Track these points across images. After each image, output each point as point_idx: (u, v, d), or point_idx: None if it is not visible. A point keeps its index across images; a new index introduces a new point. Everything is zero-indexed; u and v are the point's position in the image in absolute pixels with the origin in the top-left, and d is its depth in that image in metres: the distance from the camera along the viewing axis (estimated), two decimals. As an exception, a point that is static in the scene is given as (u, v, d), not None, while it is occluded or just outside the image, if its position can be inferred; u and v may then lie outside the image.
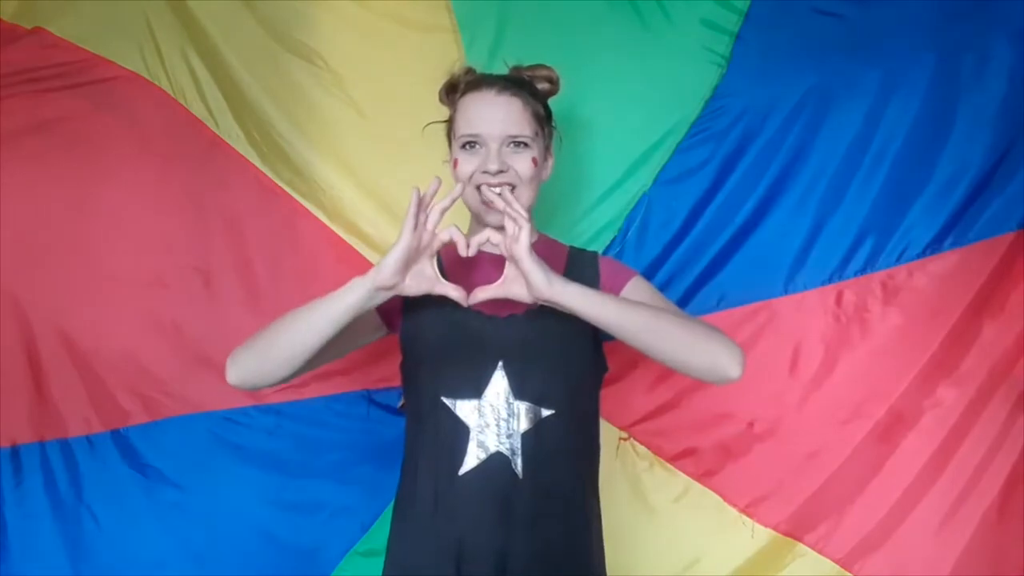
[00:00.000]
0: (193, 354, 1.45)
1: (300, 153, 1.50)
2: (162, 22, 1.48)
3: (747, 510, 1.50)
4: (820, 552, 1.46)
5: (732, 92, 1.46)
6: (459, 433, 1.07)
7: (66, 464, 1.41)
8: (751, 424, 1.50)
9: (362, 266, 1.47)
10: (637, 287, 1.18)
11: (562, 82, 1.22)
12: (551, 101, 1.23)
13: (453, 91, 1.18)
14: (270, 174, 1.50)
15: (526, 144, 1.12)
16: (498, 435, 1.07)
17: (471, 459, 1.07)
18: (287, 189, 1.50)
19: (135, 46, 1.48)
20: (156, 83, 1.48)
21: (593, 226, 1.50)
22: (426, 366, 1.13)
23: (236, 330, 1.44)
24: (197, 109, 1.49)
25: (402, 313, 1.16)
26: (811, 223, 1.48)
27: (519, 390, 1.08)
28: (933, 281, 1.45)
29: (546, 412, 1.08)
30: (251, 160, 1.50)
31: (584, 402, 1.17)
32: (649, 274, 1.49)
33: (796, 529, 1.48)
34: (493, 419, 1.07)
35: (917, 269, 1.46)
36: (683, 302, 1.50)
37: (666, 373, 1.51)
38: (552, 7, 1.49)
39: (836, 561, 1.45)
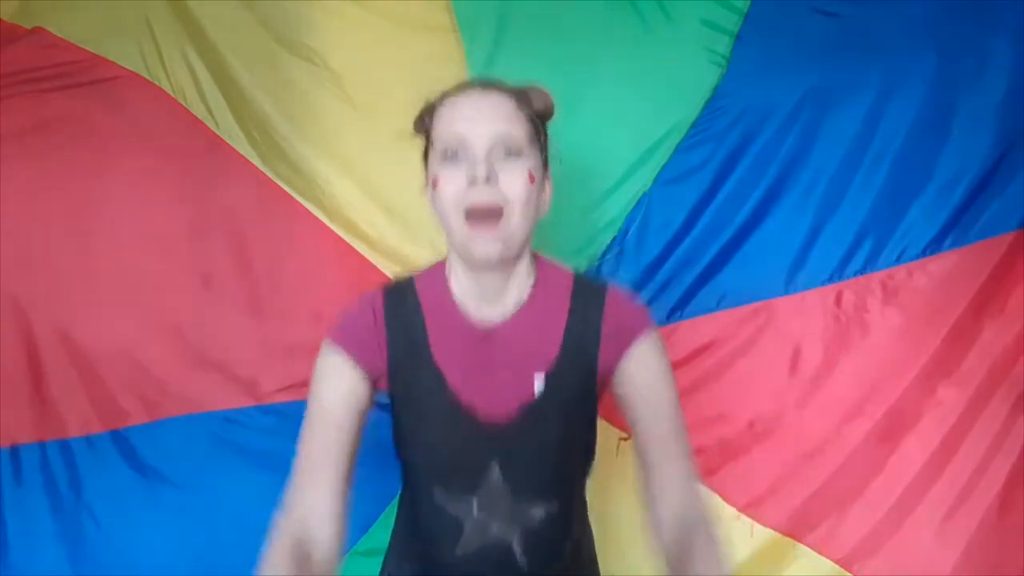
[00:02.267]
0: (193, 354, 1.45)
1: (300, 153, 1.50)
2: (162, 22, 1.48)
3: (746, 510, 1.50)
4: (820, 552, 1.46)
5: (732, 92, 1.47)
6: (451, 525, 0.99)
7: (66, 464, 1.41)
8: (751, 424, 1.50)
9: (362, 266, 1.48)
10: (644, 353, 0.97)
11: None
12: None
13: (429, 113, 0.97)
14: (270, 174, 1.50)
15: (520, 152, 0.90)
16: (496, 528, 0.98)
17: (466, 546, 0.99)
18: (287, 189, 1.50)
19: (135, 46, 1.48)
20: (156, 83, 1.48)
21: (593, 226, 1.50)
22: (419, 457, 1.04)
23: (236, 330, 1.46)
24: (197, 109, 1.49)
25: (388, 372, 1.00)
26: (811, 223, 1.48)
27: (516, 488, 0.97)
28: (933, 281, 1.45)
29: (544, 507, 0.99)
30: (251, 160, 1.50)
31: (580, 490, 1.09)
32: (649, 274, 1.50)
33: (795, 529, 1.48)
34: (488, 512, 0.98)
35: (917, 269, 1.46)
36: (683, 302, 1.51)
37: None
38: (552, 7, 1.49)
39: (836, 561, 1.45)
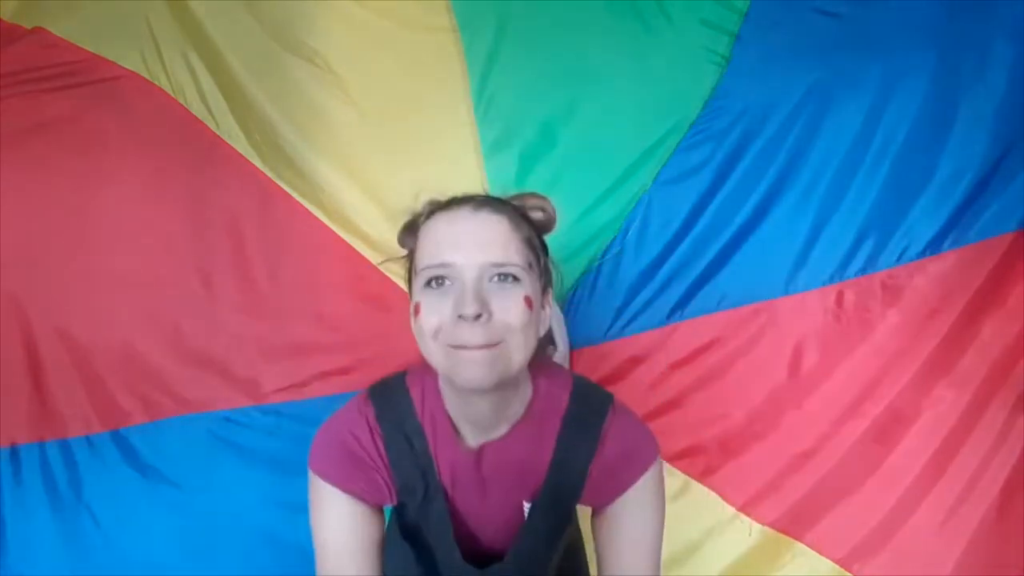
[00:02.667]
0: (193, 354, 1.45)
1: (300, 153, 1.50)
2: (162, 22, 1.48)
3: (745, 508, 1.50)
4: (819, 551, 1.46)
5: (732, 92, 1.47)
6: None
7: (66, 464, 1.41)
8: (750, 423, 1.50)
9: (362, 266, 1.48)
10: (638, 493, 0.90)
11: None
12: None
13: (413, 226, 0.86)
14: (270, 174, 1.50)
15: (515, 278, 0.79)
16: None
17: None
18: (287, 189, 1.50)
19: (135, 46, 1.48)
20: (156, 83, 1.48)
21: (593, 226, 1.50)
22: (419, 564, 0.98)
23: (236, 330, 1.45)
24: (197, 109, 1.49)
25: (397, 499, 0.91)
26: (811, 223, 1.48)
27: None
28: (933, 281, 1.45)
29: None
30: (251, 160, 1.50)
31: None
32: (649, 274, 1.50)
33: (794, 528, 1.48)
34: None
35: (917, 269, 1.46)
36: (683, 302, 1.51)
37: (666, 373, 1.52)
38: (552, 7, 1.49)
39: (836, 561, 1.45)
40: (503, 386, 0.81)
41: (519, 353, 0.79)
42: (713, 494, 1.51)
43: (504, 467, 0.89)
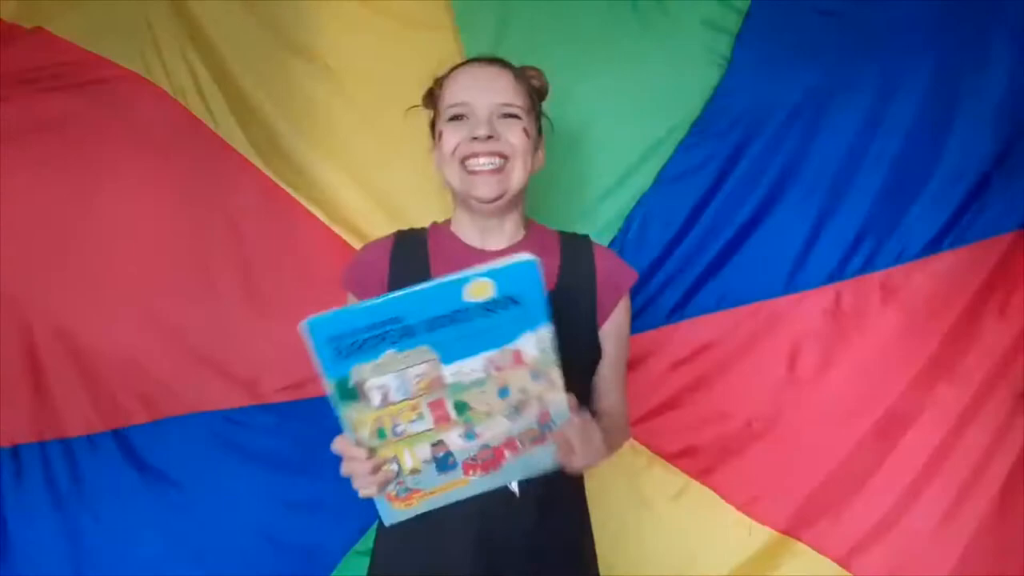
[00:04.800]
0: (193, 354, 1.45)
1: (300, 153, 1.50)
2: (162, 22, 1.48)
3: (745, 508, 1.50)
4: (818, 550, 1.47)
5: (732, 92, 1.47)
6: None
7: (66, 464, 1.41)
8: (750, 423, 1.51)
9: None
10: (622, 311, 1.11)
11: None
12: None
13: (438, 86, 1.10)
14: (270, 174, 1.50)
15: (517, 116, 1.03)
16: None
17: None
18: (287, 189, 1.50)
19: (135, 46, 1.47)
20: (156, 83, 1.48)
21: (593, 226, 1.50)
22: None
23: (236, 330, 1.46)
24: (197, 109, 1.49)
25: None
26: (811, 223, 1.48)
27: None
28: (932, 281, 1.46)
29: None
30: (251, 160, 1.50)
31: (584, 400, 1.12)
32: (649, 274, 1.50)
33: (794, 527, 1.48)
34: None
35: (916, 269, 1.46)
36: (683, 302, 1.51)
37: (665, 373, 1.52)
38: (552, 6, 1.49)
39: (835, 559, 1.46)
40: (506, 207, 1.05)
41: (518, 172, 1.03)
42: (713, 494, 1.51)
43: None
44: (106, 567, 1.39)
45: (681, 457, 1.53)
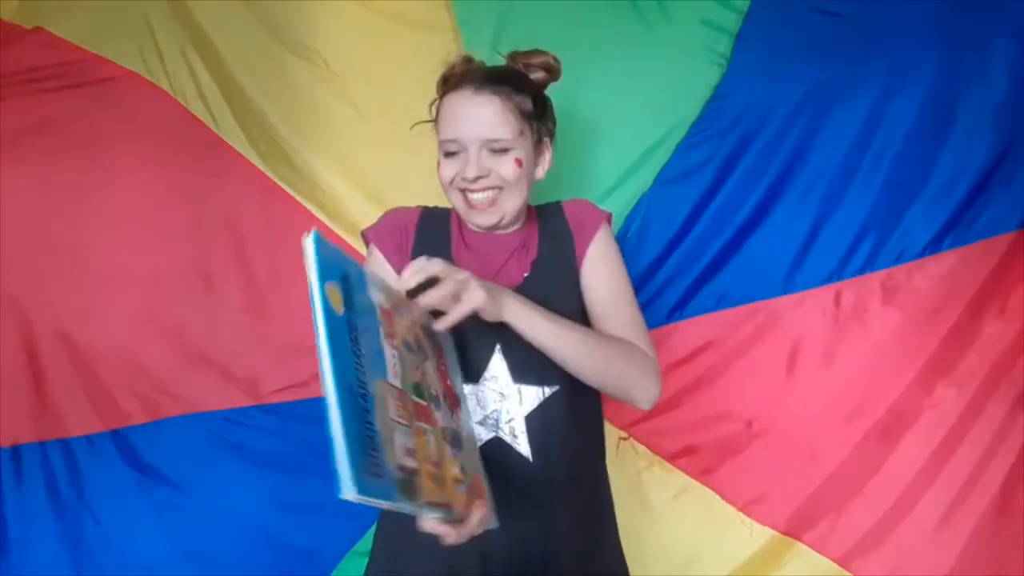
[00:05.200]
0: (193, 354, 1.45)
1: (299, 153, 1.50)
2: (162, 22, 1.48)
3: (746, 509, 1.50)
4: (818, 551, 1.47)
5: (732, 92, 1.47)
6: None
7: (66, 464, 1.41)
8: (750, 423, 1.50)
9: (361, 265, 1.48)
10: (600, 245, 1.12)
11: (563, 68, 1.15)
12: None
13: (445, 83, 1.11)
14: (270, 174, 1.50)
15: (506, 149, 1.04)
16: (497, 420, 1.03)
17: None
18: (287, 189, 1.50)
19: (135, 46, 1.47)
20: (156, 83, 1.48)
21: (593, 226, 1.50)
22: None
23: (236, 330, 1.46)
24: (197, 109, 1.49)
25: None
26: (811, 223, 1.48)
27: (519, 372, 1.04)
28: (932, 281, 1.45)
29: (550, 390, 1.04)
30: (251, 160, 1.50)
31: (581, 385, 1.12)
32: (649, 274, 1.50)
33: (795, 528, 1.48)
34: (492, 404, 1.04)
35: (916, 269, 1.46)
36: (683, 302, 1.51)
37: (665, 373, 1.51)
38: (552, 7, 1.49)
39: (834, 560, 1.46)
40: (503, 224, 1.10)
41: (512, 200, 1.07)
42: (714, 494, 1.51)
43: (509, 248, 1.11)
44: (106, 567, 1.39)
45: (681, 458, 1.53)
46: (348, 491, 0.66)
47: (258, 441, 1.45)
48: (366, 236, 1.13)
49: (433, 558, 1.03)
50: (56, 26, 1.44)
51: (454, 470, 0.84)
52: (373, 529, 1.44)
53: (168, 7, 1.48)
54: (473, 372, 1.04)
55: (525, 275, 1.08)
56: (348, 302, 0.75)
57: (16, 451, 1.40)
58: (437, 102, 1.10)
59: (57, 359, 1.40)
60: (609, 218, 1.15)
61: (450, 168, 1.06)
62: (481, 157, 1.03)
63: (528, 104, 1.07)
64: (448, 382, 0.95)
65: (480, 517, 0.83)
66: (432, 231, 1.12)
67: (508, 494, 0.96)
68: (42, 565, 1.38)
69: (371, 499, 0.67)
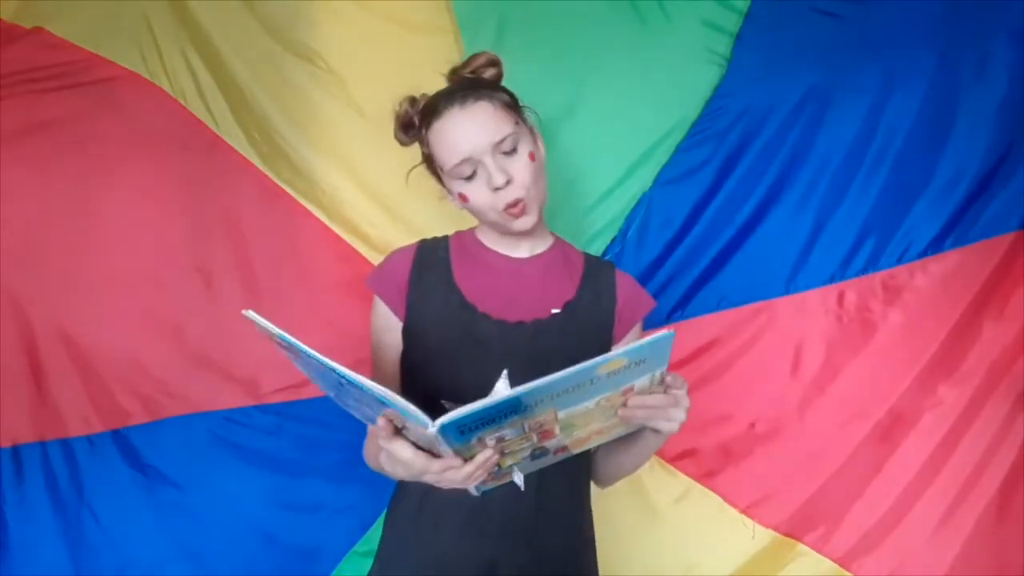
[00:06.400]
0: (193, 354, 1.45)
1: (300, 153, 1.50)
2: (162, 22, 1.48)
3: (748, 511, 1.50)
4: (819, 551, 1.46)
5: (732, 92, 1.46)
6: None
7: (67, 464, 1.41)
8: (752, 425, 1.50)
9: (362, 266, 1.48)
10: (636, 332, 1.15)
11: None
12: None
13: (410, 127, 1.11)
14: (270, 174, 1.50)
15: (514, 147, 1.03)
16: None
17: None
18: (287, 189, 1.50)
19: (135, 46, 1.47)
20: (156, 83, 1.48)
21: (593, 226, 1.50)
22: (426, 366, 1.07)
23: (236, 330, 1.45)
24: (197, 109, 1.49)
25: (406, 305, 1.09)
26: (812, 223, 1.48)
27: None
28: (934, 281, 1.45)
29: None
30: (251, 160, 1.50)
31: None
32: (649, 274, 1.49)
33: (796, 529, 1.48)
34: None
35: (918, 269, 1.46)
36: (683, 302, 1.51)
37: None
38: (552, 7, 1.48)
39: (835, 560, 1.45)
40: (538, 222, 1.08)
41: (538, 189, 1.06)
42: (716, 496, 1.51)
43: (538, 276, 1.10)
44: (106, 567, 1.39)
45: (683, 460, 1.52)
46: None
47: (258, 441, 1.45)
48: (368, 283, 1.12)
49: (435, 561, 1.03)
50: (56, 26, 1.44)
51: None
52: (373, 529, 1.45)
53: (168, 7, 1.48)
54: (477, 393, 0.98)
55: (554, 311, 1.07)
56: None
57: (16, 451, 1.39)
58: (418, 140, 1.10)
59: (57, 359, 1.40)
60: (653, 308, 1.18)
61: (478, 192, 1.03)
62: (498, 162, 1.01)
63: (506, 96, 1.07)
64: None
65: (485, 458, 0.81)
66: (428, 262, 1.11)
67: (486, 518, 0.99)
68: (42, 565, 1.38)
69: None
